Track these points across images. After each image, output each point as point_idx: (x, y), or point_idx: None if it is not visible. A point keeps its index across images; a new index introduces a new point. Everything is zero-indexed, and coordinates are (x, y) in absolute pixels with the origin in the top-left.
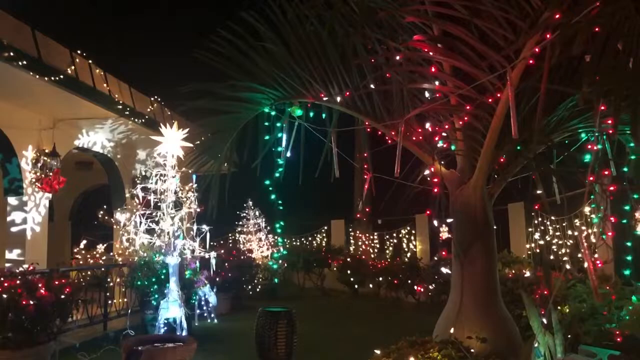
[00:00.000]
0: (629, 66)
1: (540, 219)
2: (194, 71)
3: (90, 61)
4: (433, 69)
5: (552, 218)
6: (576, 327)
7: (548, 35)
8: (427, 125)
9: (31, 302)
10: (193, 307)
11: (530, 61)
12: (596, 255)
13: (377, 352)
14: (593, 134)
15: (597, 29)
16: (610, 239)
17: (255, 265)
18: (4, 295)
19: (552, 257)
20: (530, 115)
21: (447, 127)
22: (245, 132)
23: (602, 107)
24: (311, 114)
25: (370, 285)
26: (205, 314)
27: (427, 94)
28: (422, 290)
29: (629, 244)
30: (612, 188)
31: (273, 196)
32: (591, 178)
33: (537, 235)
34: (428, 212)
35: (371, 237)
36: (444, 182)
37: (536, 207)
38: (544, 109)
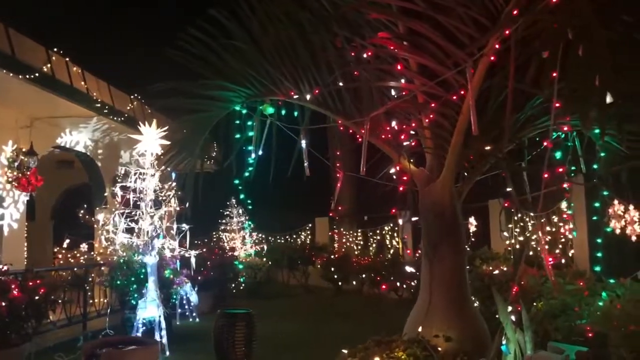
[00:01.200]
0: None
1: (520, 216)
2: (172, 68)
3: (67, 59)
4: (399, 67)
5: (532, 214)
6: (546, 324)
7: (507, 32)
8: (394, 123)
9: (3, 304)
10: (174, 306)
11: (492, 58)
12: (572, 252)
13: (344, 351)
14: (563, 131)
15: (554, 25)
16: (583, 236)
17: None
18: None
19: (531, 253)
20: (499, 114)
21: (414, 125)
22: (219, 131)
23: (557, 105)
24: (283, 112)
25: (354, 282)
26: (187, 313)
27: (393, 92)
28: (404, 286)
29: (599, 240)
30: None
31: (242, 195)
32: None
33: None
34: (393, 210)
35: (355, 234)
36: (413, 180)
37: (506, 204)
38: (512, 107)
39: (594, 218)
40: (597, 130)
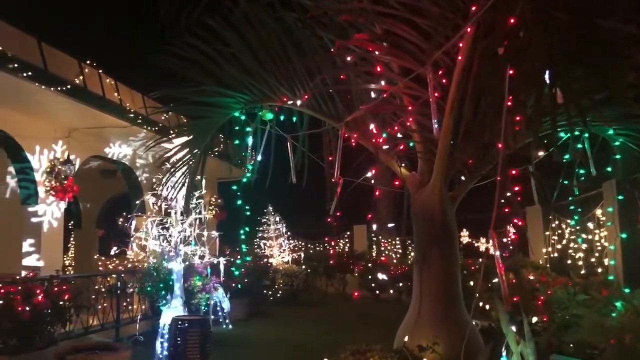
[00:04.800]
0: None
1: (557, 223)
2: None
3: (100, 71)
4: (378, 69)
5: (568, 221)
6: (551, 336)
7: (469, 29)
8: (371, 126)
9: (27, 309)
10: (206, 313)
11: (460, 57)
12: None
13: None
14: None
15: (512, 21)
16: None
17: (274, 271)
18: (0, 302)
19: (569, 261)
20: (494, 117)
21: (396, 128)
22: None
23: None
24: (282, 118)
25: (391, 291)
26: (220, 320)
27: (372, 94)
28: None
29: (612, 247)
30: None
31: (239, 202)
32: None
33: (550, 240)
34: (369, 216)
35: (393, 242)
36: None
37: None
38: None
39: (608, 224)
40: (610, 131)
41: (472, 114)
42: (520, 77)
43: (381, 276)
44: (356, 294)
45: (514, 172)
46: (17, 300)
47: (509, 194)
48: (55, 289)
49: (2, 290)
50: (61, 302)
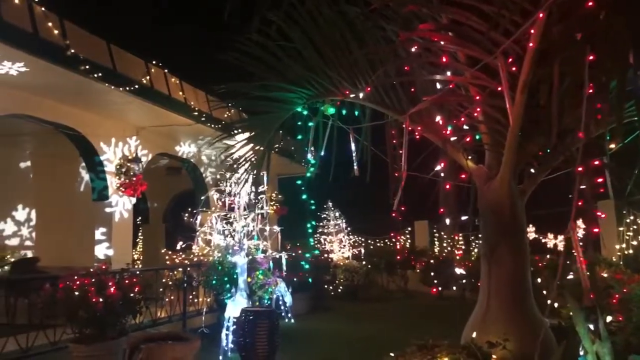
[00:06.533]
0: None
1: (632, 218)
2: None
3: (165, 70)
4: (445, 59)
5: None
6: (630, 335)
7: (541, 15)
8: (438, 118)
9: (100, 300)
10: (269, 307)
11: (531, 44)
12: None
13: (392, 355)
14: None
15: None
16: None
17: (334, 266)
18: (77, 293)
19: None
20: (570, 103)
21: (463, 120)
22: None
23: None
24: (344, 112)
25: (454, 288)
26: (282, 314)
27: (438, 85)
28: None
29: None
30: None
31: (304, 196)
32: None
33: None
34: (441, 210)
35: (456, 237)
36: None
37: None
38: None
39: None
40: None
41: (546, 102)
42: (601, 61)
43: (459, 270)
44: (434, 290)
45: (596, 162)
46: (92, 291)
47: (583, 187)
48: (126, 281)
49: (78, 282)
50: (131, 295)
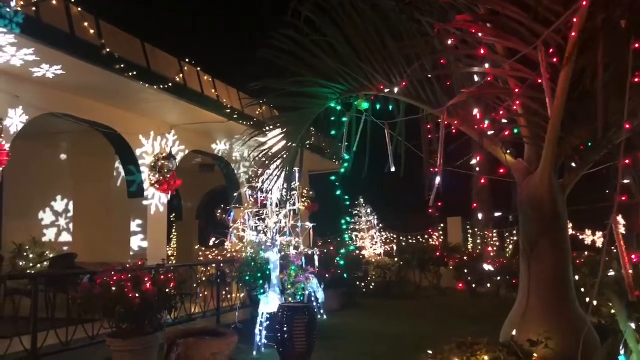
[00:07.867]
0: None
1: None
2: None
3: (198, 68)
4: (482, 51)
5: None
6: None
7: (584, 3)
8: (475, 111)
9: (137, 295)
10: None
11: (573, 34)
12: None
13: (429, 352)
14: None
15: None
16: None
17: (366, 263)
18: (114, 288)
19: None
20: (614, 93)
21: (501, 112)
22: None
23: None
24: (377, 107)
25: (488, 285)
26: (315, 310)
27: (476, 78)
28: None
29: None
30: None
31: (339, 192)
32: None
33: None
34: (474, 205)
35: (490, 234)
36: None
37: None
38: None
39: None
40: None
41: (590, 93)
42: None
43: (487, 267)
44: (460, 285)
45: None
46: (128, 287)
47: (626, 181)
48: (162, 277)
49: (115, 278)
50: (167, 290)
